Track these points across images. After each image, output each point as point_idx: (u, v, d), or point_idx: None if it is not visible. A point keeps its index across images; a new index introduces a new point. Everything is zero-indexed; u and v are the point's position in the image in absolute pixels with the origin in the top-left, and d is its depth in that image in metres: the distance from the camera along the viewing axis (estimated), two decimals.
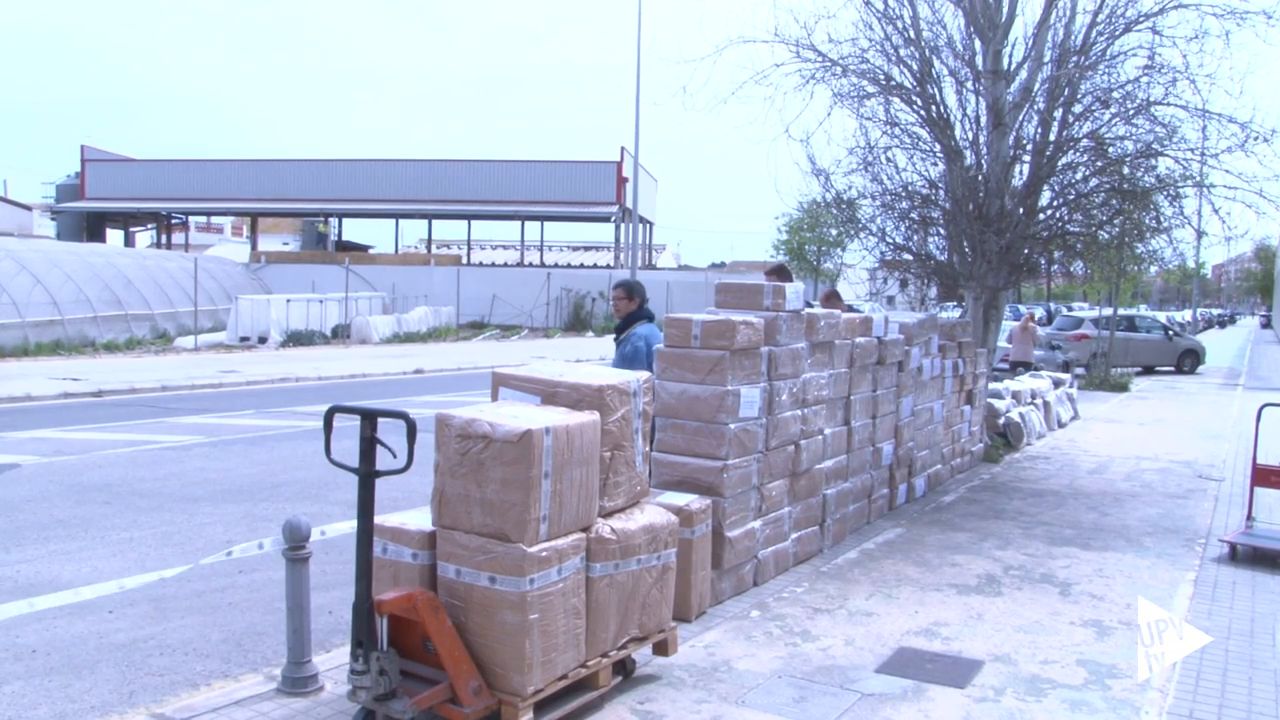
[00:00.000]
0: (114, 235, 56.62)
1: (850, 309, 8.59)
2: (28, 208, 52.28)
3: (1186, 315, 53.58)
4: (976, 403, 11.20)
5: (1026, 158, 11.74)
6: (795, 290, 6.56)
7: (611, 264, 51.62)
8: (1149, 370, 26.51)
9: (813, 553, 7.06)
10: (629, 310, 7.00)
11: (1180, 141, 11.15)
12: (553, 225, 55.80)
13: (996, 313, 12.40)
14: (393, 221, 55.31)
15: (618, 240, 53.49)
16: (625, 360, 6.64)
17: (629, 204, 44.43)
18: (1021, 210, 11.59)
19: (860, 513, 7.94)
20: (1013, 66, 11.54)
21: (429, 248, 56.35)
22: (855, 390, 7.65)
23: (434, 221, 53.95)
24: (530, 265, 51.06)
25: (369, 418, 3.91)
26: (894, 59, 11.35)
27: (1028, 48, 11.52)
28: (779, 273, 8.43)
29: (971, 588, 6.40)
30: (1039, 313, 34.15)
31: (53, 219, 55.91)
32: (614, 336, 7.17)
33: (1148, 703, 4.63)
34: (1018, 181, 11.75)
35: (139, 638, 5.36)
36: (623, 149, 46.30)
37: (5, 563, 6.61)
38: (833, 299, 9.74)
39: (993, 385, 12.62)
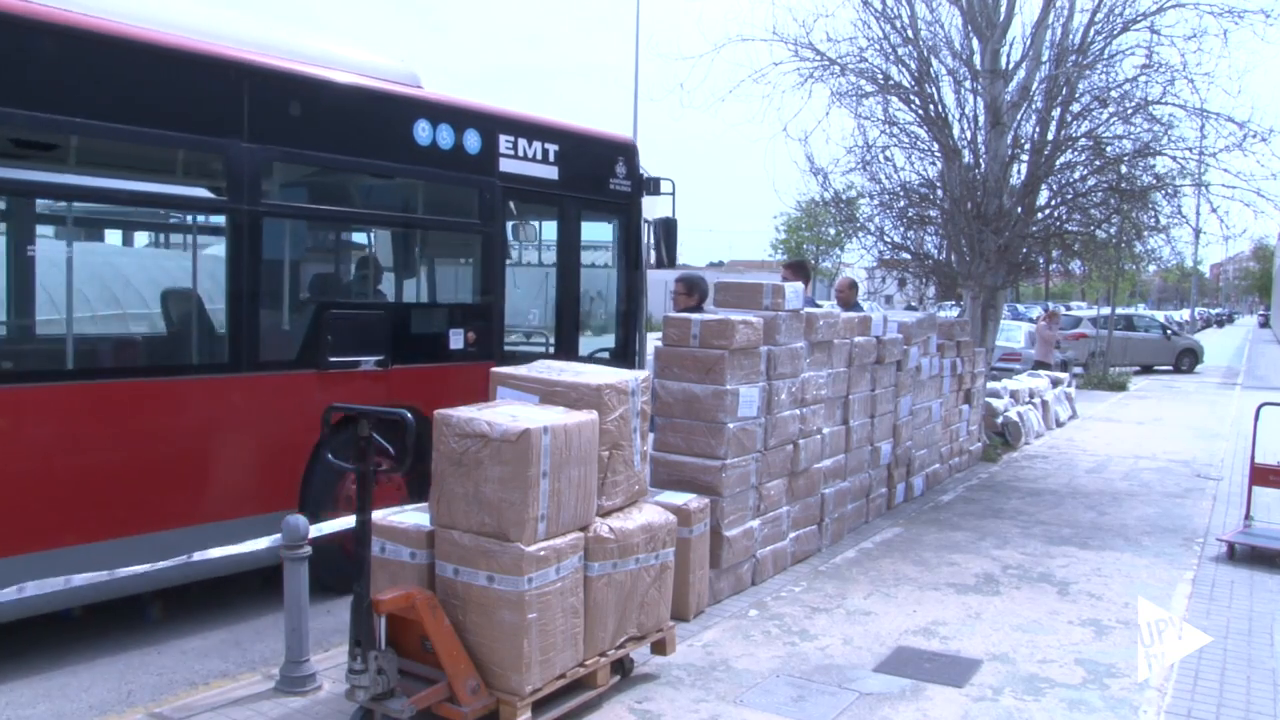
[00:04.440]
0: None
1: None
2: None
3: (1185, 314, 53.63)
4: (975, 402, 11.20)
5: (1024, 157, 11.76)
6: (795, 289, 6.56)
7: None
8: (1147, 369, 26.52)
9: (811, 552, 7.06)
10: (688, 305, 7.02)
11: (1178, 140, 11.18)
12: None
13: (995, 312, 12.41)
14: None
15: None
16: None
17: None
18: (1019, 209, 11.61)
19: (858, 512, 7.94)
20: (1011, 66, 11.55)
21: None
22: (854, 389, 7.65)
23: None
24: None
25: (367, 417, 3.91)
26: (892, 58, 11.37)
27: (1026, 47, 11.53)
28: (798, 268, 8.47)
29: (970, 587, 6.40)
30: (1036, 311, 34.13)
31: None
32: None
33: (1146, 702, 4.63)
34: (1016, 180, 11.76)
35: (137, 636, 5.35)
36: None
37: None
38: (850, 290, 9.87)
39: (991, 384, 12.63)
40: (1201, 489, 10.04)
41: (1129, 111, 11.17)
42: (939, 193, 11.95)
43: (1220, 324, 74.56)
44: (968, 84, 11.56)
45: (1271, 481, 7.71)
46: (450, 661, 3.86)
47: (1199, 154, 11.29)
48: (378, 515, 4.19)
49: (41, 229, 5.90)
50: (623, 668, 4.61)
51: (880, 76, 11.46)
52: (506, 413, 4.14)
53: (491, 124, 7.05)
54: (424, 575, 4.14)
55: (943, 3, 11.57)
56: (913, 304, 19.73)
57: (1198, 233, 13.12)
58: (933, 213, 12.28)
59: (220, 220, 5.95)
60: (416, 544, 4.17)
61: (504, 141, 7.09)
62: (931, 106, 11.36)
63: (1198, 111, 10.88)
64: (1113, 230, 12.91)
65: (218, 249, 6.08)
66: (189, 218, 6.71)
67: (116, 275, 6.84)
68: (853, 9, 11.49)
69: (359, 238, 7.80)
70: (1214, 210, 11.38)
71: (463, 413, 4.12)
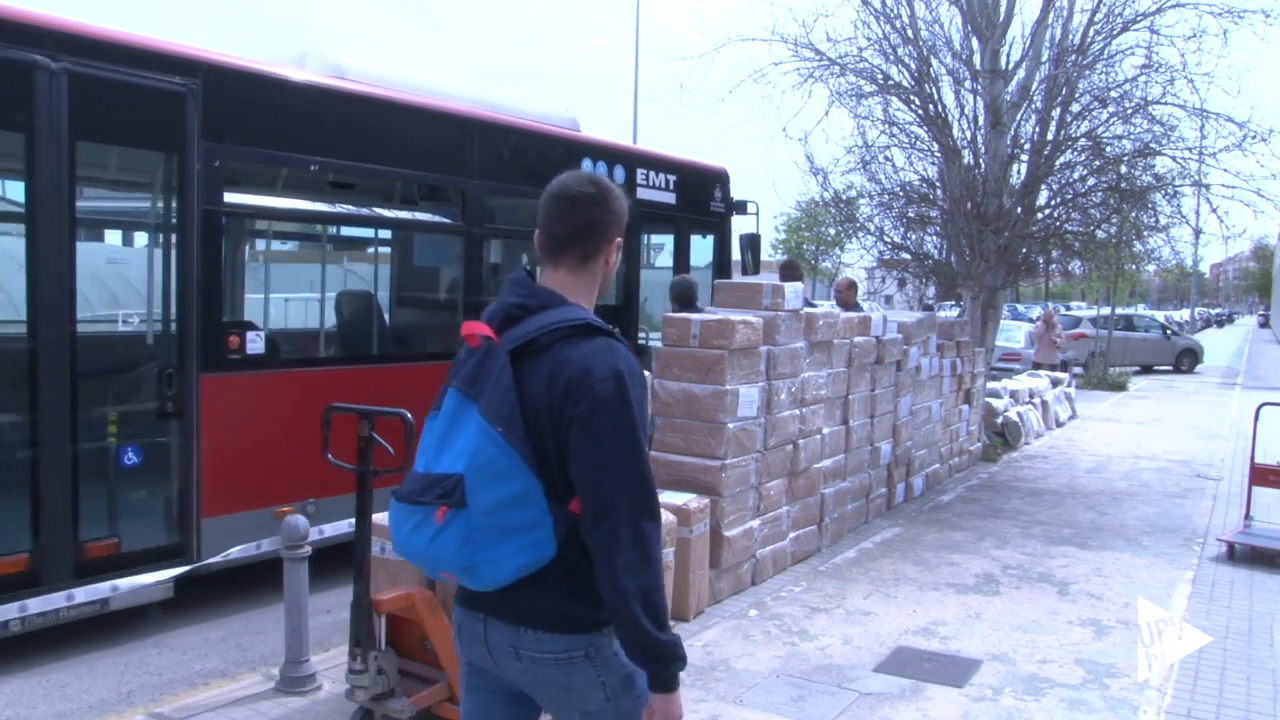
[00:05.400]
0: None
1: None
2: None
3: (1184, 314, 53.63)
4: (974, 402, 11.20)
5: (1024, 157, 11.74)
6: (794, 289, 6.56)
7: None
8: (1147, 369, 26.52)
9: (811, 552, 7.06)
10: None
11: (1178, 140, 11.16)
12: None
13: (995, 312, 12.40)
14: None
15: None
16: None
17: None
18: (1019, 209, 11.60)
19: (858, 512, 7.94)
20: (1010, 66, 11.54)
21: None
22: (853, 389, 7.65)
23: None
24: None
25: (367, 417, 3.91)
26: (892, 58, 11.36)
27: (1025, 47, 11.52)
28: (789, 269, 8.60)
29: (969, 587, 6.41)
30: (1036, 312, 34.11)
31: None
32: None
33: (1146, 702, 4.63)
34: (1016, 181, 11.76)
35: (137, 636, 5.35)
36: None
37: None
38: (849, 290, 9.95)
39: (991, 384, 12.62)
40: (1201, 489, 10.04)
41: (1129, 111, 11.16)
42: (939, 193, 11.94)
43: (1220, 324, 74.50)
44: (967, 84, 11.55)
45: (1271, 481, 7.71)
46: (450, 661, 3.87)
47: (1199, 154, 11.28)
48: (378, 515, 4.19)
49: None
50: None
51: (880, 76, 11.45)
52: None
53: (631, 159, 8.85)
54: (424, 575, 4.14)
55: (942, 3, 11.57)
56: (927, 303, 19.52)
57: (1198, 233, 13.11)
58: (933, 213, 12.27)
59: (458, 241, 7.45)
60: None
61: (640, 173, 8.84)
62: (931, 106, 11.36)
63: (1198, 112, 10.87)
64: (1113, 230, 12.90)
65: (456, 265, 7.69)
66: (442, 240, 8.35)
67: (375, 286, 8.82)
68: (853, 9, 11.55)
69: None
70: (1214, 210, 11.37)
71: None
